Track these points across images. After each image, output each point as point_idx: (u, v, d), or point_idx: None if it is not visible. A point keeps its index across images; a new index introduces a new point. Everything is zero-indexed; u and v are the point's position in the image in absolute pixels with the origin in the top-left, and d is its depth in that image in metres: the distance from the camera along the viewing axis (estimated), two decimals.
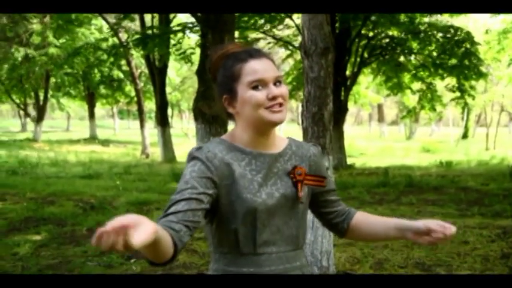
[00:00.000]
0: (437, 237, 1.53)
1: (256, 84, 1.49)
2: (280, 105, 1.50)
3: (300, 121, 4.74)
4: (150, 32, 13.40)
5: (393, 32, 14.47)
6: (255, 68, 1.50)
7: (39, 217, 6.72)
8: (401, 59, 15.12)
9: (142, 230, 1.10)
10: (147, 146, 17.47)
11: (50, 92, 25.23)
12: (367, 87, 18.86)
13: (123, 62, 18.68)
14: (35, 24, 19.90)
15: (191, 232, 1.40)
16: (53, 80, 23.56)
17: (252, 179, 1.51)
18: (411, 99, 17.49)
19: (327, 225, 1.73)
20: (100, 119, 46.58)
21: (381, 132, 37.49)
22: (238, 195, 1.48)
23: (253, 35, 13.68)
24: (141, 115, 17.73)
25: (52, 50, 19.22)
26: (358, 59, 14.02)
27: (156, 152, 16.92)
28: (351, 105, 21.45)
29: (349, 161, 14.49)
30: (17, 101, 25.34)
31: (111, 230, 1.07)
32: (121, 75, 21.65)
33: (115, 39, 15.44)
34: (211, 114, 6.03)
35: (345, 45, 13.41)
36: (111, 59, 13.82)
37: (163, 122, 15.03)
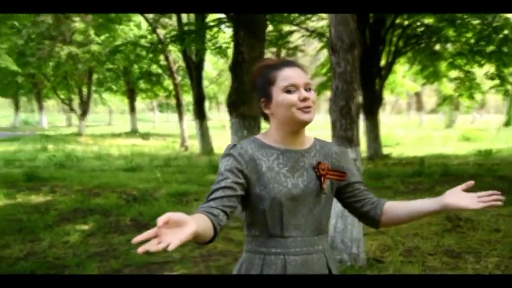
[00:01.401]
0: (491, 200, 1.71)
1: (289, 89, 1.74)
2: (309, 107, 1.75)
3: (329, 114, 4.93)
4: (186, 28, 13.75)
5: (429, 20, 14.32)
6: (288, 75, 1.76)
7: (86, 208, 7.15)
8: (437, 47, 14.95)
9: (182, 232, 1.35)
10: (186, 139, 17.91)
11: (93, 88, 26.07)
12: (404, 76, 18.70)
13: (161, 57, 19.13)
14: (78, 23, 20.59)
15: (228, 216, 1.66)
16: (95, 76, 24.35)
17: (279, 171, 1.76)
18: (449, 88, 17.25)
19: (359, 215, 1.90)
20: (140, 113, 47.62)
21: (419, 121, 36.95)
22: (266, 185, 1.74)
23: (287, 27, 13.81)
24: (179, 108, 18.18)
25: (94, 48, 19.88)
26: (393, 48, 13.96)
27: (195, 145, 17.30)
28: (387, 94, 21.31)
29: (385, 150, 14.50)
30: (62, 96, 26.26)
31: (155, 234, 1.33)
32: (159, 70, 22.18)
33: (154, 35, 15.86)
34: (244, 110, 6.28)
35: (379, 34, 13.37)
36: (150, 55, 14.24)
37: (200, 114, 15.40)
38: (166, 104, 42.30)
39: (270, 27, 12.58)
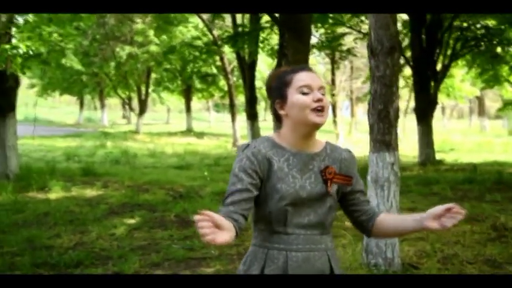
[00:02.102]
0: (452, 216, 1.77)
1: (304, 90, 1.82)
2: (322, 109, 1.82)
3: (367, 118, 4.93)
4: (240, 29, 13.95)
5: (490, 22, 13.84)
6: (303, 77, 1.85)
7: (134, 203, 7.45)
8: (499, 50, 14.42)
9: (224, 236, 1.53)
10: (238, 139, 18.16)
11: (152, 87, 26.88)
12: (462, 80, 18.14)
13: (217, 57, 19.48)
14: (139, 24, 21.32)
15: (246, 217, 1.78)
16: (153, 75, 25.11)
17: (288, 172, 1.84)
18: (510, 92, 16.58)
19: (354, 223, 2.00)
20: (197, 112, 48.54)
21: (481, 126, 35.59)
22: (274, 184, 1.82)
23: (340, 30, 13.74)
24: (232, 109, 18.46)
25: (153, 48, 20.50)
26: (450, 51, 13.59)
27: None
28: (444, 98, 20.73)
29: (439, 156, 14.13)
30: (123, 95, 27.21)
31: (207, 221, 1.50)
32: (215, 71, 22.58)
33: (208, 36, 16.19)
34: None
35: (436, 36, 13.06)
36: (204, 56, 14.56)
37: (252, 115, 15.59)
38: (222, 104, 42.93)
39: (322, 30, 12.58)
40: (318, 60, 26.56)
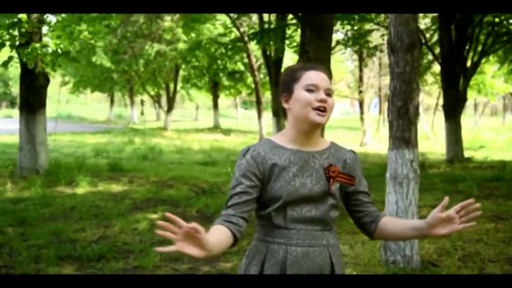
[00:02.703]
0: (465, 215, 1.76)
1: (310, 88, 1.85)
2: (324, 110, 1.84)
3: (386, 115, 4.90)
4: (266, 26, 13.96)
5: None
6: (312, 76, 1.88)
7: (158, 198, 7.57)
8: None
9: (195, 250, 1.56)
10: (264, 135, 18.18)
11: (180, 84, 27.15)
12: (493, 77, 17.74)
13: (244, 54, 19.52)
14: (167, 22, 21.53)
15: (247, 220, 1.83)
16: (181, 72, 25.34)
17: (288, 170, 1.86)
18: None
19: (357, 223, 2.01)
20: (225, 109, 48.80)
21: None
22: (275, 182, 1.85)
23: (367, 26, 13.61)
24: (258, 105, 18.50)
25: (181, 46, 20.69)
26: (480, 47, 13.30)
27: None
28: (474, 95, 20.27)
29: (468, 154, 13.87)
30: (152, 92, 27.56)
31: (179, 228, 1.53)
32: (242, 68, 22.65)
33: (234, 33, 16.25)
34: None
35: (466, 32, 12.80)
36: (230, 53, 14.63)
37: (277, 112, 15.57)
38: (250, 101, 43.05)
39: (348, 26, 12.50)
40: (345, 57, 26.36)
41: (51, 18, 9.79)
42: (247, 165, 1.86)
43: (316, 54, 6.31)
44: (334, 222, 1.94)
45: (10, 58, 7.55)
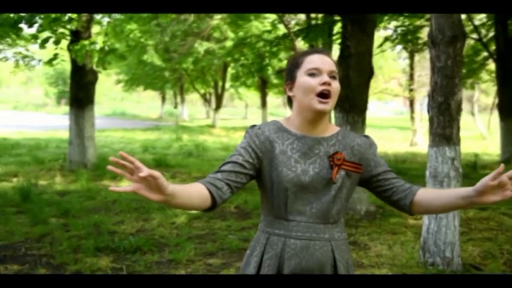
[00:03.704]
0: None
1: (313, 72, 1.77)
2: (327, 96, 1.75)
3: (426, 110, 4.71)
4: (313, 22, 13.80)
5: None
6: (314, 59, 1.80)
7: None
8: None
9: (153, 194, 1.49)
10: None
11: (230, 82, 27.31)
12: None
13: (292, 52, 19.39)
14: (216, 20, 21.71)
15: (233, 190, 1.75)
16: (230, 71, 25.49)
17: (290, 156, 1.79)
18: None
19: (390, 203, 1.88)
20: (275, 108, 48.74)
21: None
22: (276, 167, 1.78)
23: (417, 22, 13.19)
24: None
25: (229, 43, 20.79)
26: None
27: None
28: None
29: None
30: (202, 91, 27.89)
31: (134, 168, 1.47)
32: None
33: (279, 30, 16.14)
34: (348, 103, 6.21)
35: None
36: (274, 49, 14.53)
37: None
38: None
39: (394, 23, 12.17)
40: (398, 55, 25.73)
41: (102, 18, 10.08)
42: (250, 140, 1.81)
43: (357, 49, 6.17)
44: (340, 215, 1.84)
45: (55, 55, 7.80)
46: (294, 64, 1.84)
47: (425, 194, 1.81)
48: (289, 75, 1.85)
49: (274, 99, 45.57)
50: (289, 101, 1.88)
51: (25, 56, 11.83)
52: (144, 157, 12.32)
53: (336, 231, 1.83)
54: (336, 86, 1.79)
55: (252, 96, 36.28)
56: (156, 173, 1.46)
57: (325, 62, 1.79)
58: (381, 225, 6.04)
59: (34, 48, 12.24)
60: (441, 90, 4.49)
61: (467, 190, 1.68)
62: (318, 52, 1.83)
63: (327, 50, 1.90)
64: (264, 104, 27.54)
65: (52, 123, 24.66)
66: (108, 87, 49.39)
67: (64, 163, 10.01)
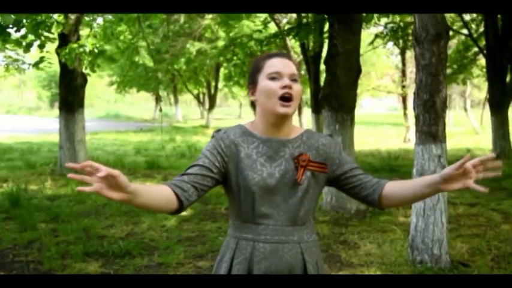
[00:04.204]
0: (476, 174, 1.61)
1: (274, 76, 1.77)
2: (289, 99, 1.75)
3: (412, 108, 4.72)
4: (305, 20, 13.78)
5: None
6: (274, 63, 1.80)
7: None
8: None
9: (116, 193, 1.48)
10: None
11: (223, 83, 27.29)
12: None
13: (284, 51, 19.38)
14: (207, 20, 21.67)
15: (199, 193, 1.74)
16: (223, 71, 25.46)
17: (256, 160, 1.78)
18: None
19: (359, 199, 1.88)
20: None
21: None
22: (241, 171, 1.78)
23: (408, 18, 13.21)
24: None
25: (221, 43, 20.76)
26: None
27: None
28: None
29: None
30: (195, 91, 27.84)
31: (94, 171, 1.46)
32: None
33: (269, 29, 16.12)
34: (337, 102, 6.21)
35: None
36: (264, 48, 14.52)
37: (316, 108, 15.39)
38: None
39: (383, 20, 12.18)
40: (390, 51, 25.77)
41: (92, 20, 10.02)
42: (216, 144, 1.81)
43: (344, 48, 6.17)
44: (309, 216, 1.84)
45: (41, 59, 7.76)
46: (256, 68, 1.83)
47: (393, 186, 1.82)
48: (251, 79, 1.85)
49: None
50: (253, 105, 1.87)
51: (15, 60, 11.78)
52: (136, 159, 12.30)
53: (305, 233, 1.83)
54: (297, 88, 1.78)
55: (246, 95, 36.28)
56: (115, 172, 1.46)
57: (286, 66, 1.79)
58: (370, 224, 6.04)
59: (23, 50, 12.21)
60: (426, 87, 4.50)
61: (432, 178, 1.70)
62: (278, 56, 1.83)
63: (287, 53, 1.92)
64: None
65: (45, 126, 24.56)
66: (102, 90, 49.27)
67: (55, 167, 9.98)
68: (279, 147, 1.81)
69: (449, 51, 16.43)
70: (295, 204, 1.79)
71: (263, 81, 1.79)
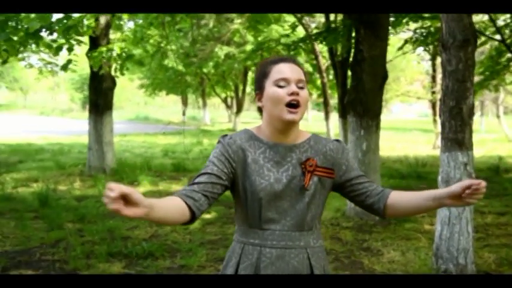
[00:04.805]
0: (470, 194, 1.64)
1: (280, 83, 1.76)
2: (296, 106, 1.74)
3: (438, 115, 4.65)
4: (333, 25, 13.73)
5: None
6: (281, 69, 1.78)
7: None
8: None
9: (133, 210, 1.43)
10: (331, 137, 17.93)
11: (251, 86, 27.40)
12: None
13: (313, 55, 19.30)
14: (236, 25, 21.79)
15: (209, 201, 1.73)
16: (251, 74, 25.58)
17: (263, 165, 1.78)
18: None
19: (363, 207, 1.88)
20: None
21: None
22: (249, 176, 1.77)
23: (438, 24, 13.01)
24: (326, 107, 18.25)
25: (249, 47, 20.85)
26: None
27: None
28: None
29: None
30: (223, 95, 27.99)
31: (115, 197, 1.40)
32: (310, 69, 22.46)
33: (296, 33, 16.10)
34: (362, 108, 6.16)
35: None
36: (291, 53, 14.48)
37: (343, 114, 15.29)
38: (322, 103, 42.68)
39: (413, 25, 12.02)
40: (421, 56, 25.41)
41: (124, 24, 10.21)
42: (223, 149, 1.80)
43: (370, 53, 6.12)
44: (315, 221, 1.83)
45: (69, 61, 7.93)
46: (262, 74, 1.82)
47: (398, 196, 1.81)
48: (257, 84, 1.84)
49: None
50: (260, 110, 1.87)
51: (48, 63, 12.09)
52: (163, 162, 12.43)
53: (312, 238, 1.82)
54: (304, 95, 1.77)
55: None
56: (128, 190, 1.43)
57: (293, 71, 1.77)
58: (395, 231, 5.97)
59: (60, 53, 12.51)
60: (452, 94, 4.42)
61: (439, 192, 1.71)
62: (285, 61, 1.81)
63: (294, 58, 1.88)
64: None
65: (76, 128, 25.05)
66: (132, 92, 50.00)
67: (84, 168, 10.17)
68: (286, 152, 1.80)
69: (482, 57, 16.11)
70: (302, 209, 1.78)
71: (270, 88, 1.77)
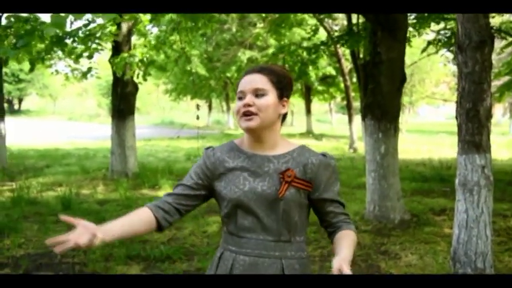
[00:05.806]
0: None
1: (239, 95, 1.84)
2: (249, 114, 1.79)
3: (455, 117, 4.60)
4: (355, 28, 13.67)
5: None
6: (241, 82, 1.86)
7: None
8: None
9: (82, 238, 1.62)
10: (355, 141, 17.80)
11: None
12: None
13: (335, 58, 19.24)
14: (259, 29, 21.87)
15: (181, 212, 1.88)
16: None
17: (239, 174, 1.83)
18: None
19: (321, 225, 1.97)
20: (322, 115, 48.47)
21: None
22: (225, 185, 1.83)
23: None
24: (349, 110, 18.18)
25: (271, 51, 20.88)
26: None
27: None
28: None
29: None
30: None
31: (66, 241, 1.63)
32: (333, 72, 22.38)
33: (318, 36, 16.08)
34: (380, 111, 6.13)
35: None
36: (313, 56, 14.45)
37: (364, 117, 15.19)
38: (346, 106, 42.42)
39: (434, 26, 11.88)
40: (447, 58, 25.07)
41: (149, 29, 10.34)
42: (202, 162, 1.90)
43: (388, 55, 6.08)
44: (294, 234, 1.84)
45: (89, 69, 8.09)
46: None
47: (338, 237, 1.86)
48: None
49: (322, 105, 45.31)
50: None
51: (74, 69, 12.32)
52: (186, 166, 12.53)
53: (290, 249, 1.82)
54: (259, 102, 1.79)
55: (297, 103, 36.24)
56: (76, 221, 1.65)
57: (250, 82, 1.82)
58: (414, 235, 5.90)
59: (85, 60, 12.78)
60: (469, 96, 4.37)
61: (337, 252, 1.76)
62: (248, 73, 1.87)
63: (262, 67, 1.87)
64: (308, 110, 27.44)
65: (103, 133, 25.41)
66: (158, 97, 50.57)
67: (107, 172, 10.33)
68: (263, 162, 1.83)
69: (510, 58, 15.80)
70: (276, 219, 1.80)
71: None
